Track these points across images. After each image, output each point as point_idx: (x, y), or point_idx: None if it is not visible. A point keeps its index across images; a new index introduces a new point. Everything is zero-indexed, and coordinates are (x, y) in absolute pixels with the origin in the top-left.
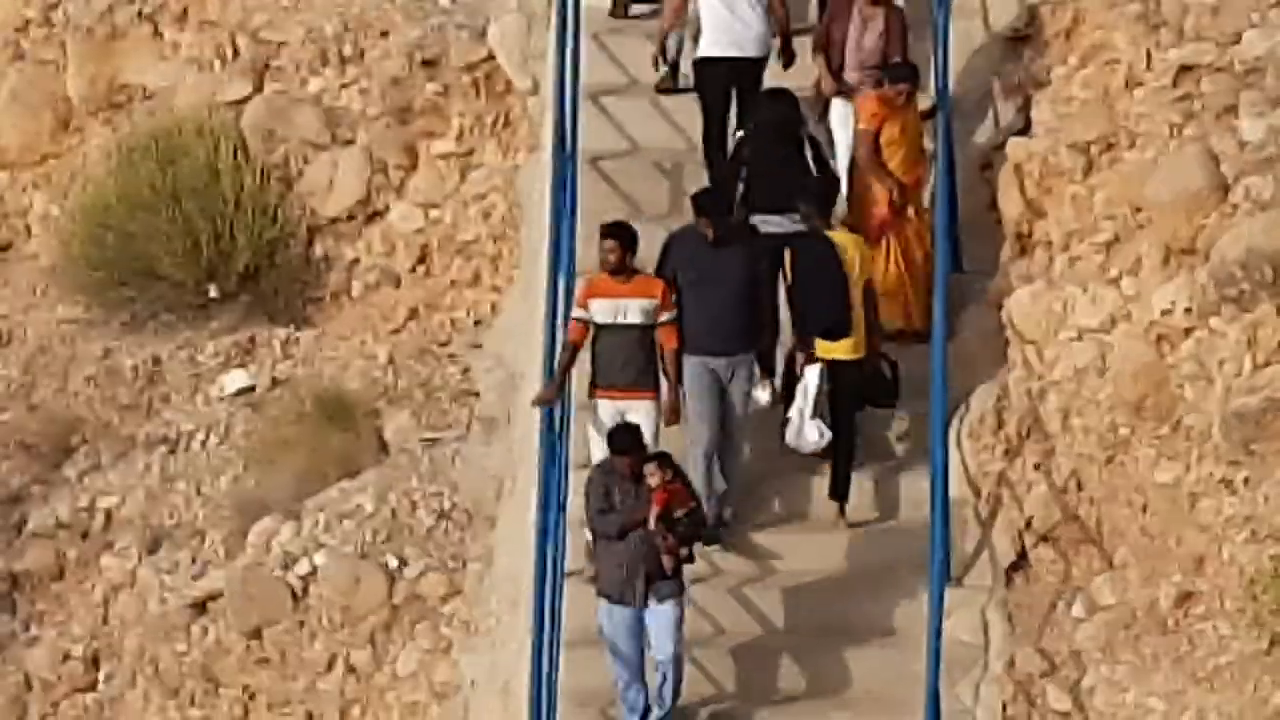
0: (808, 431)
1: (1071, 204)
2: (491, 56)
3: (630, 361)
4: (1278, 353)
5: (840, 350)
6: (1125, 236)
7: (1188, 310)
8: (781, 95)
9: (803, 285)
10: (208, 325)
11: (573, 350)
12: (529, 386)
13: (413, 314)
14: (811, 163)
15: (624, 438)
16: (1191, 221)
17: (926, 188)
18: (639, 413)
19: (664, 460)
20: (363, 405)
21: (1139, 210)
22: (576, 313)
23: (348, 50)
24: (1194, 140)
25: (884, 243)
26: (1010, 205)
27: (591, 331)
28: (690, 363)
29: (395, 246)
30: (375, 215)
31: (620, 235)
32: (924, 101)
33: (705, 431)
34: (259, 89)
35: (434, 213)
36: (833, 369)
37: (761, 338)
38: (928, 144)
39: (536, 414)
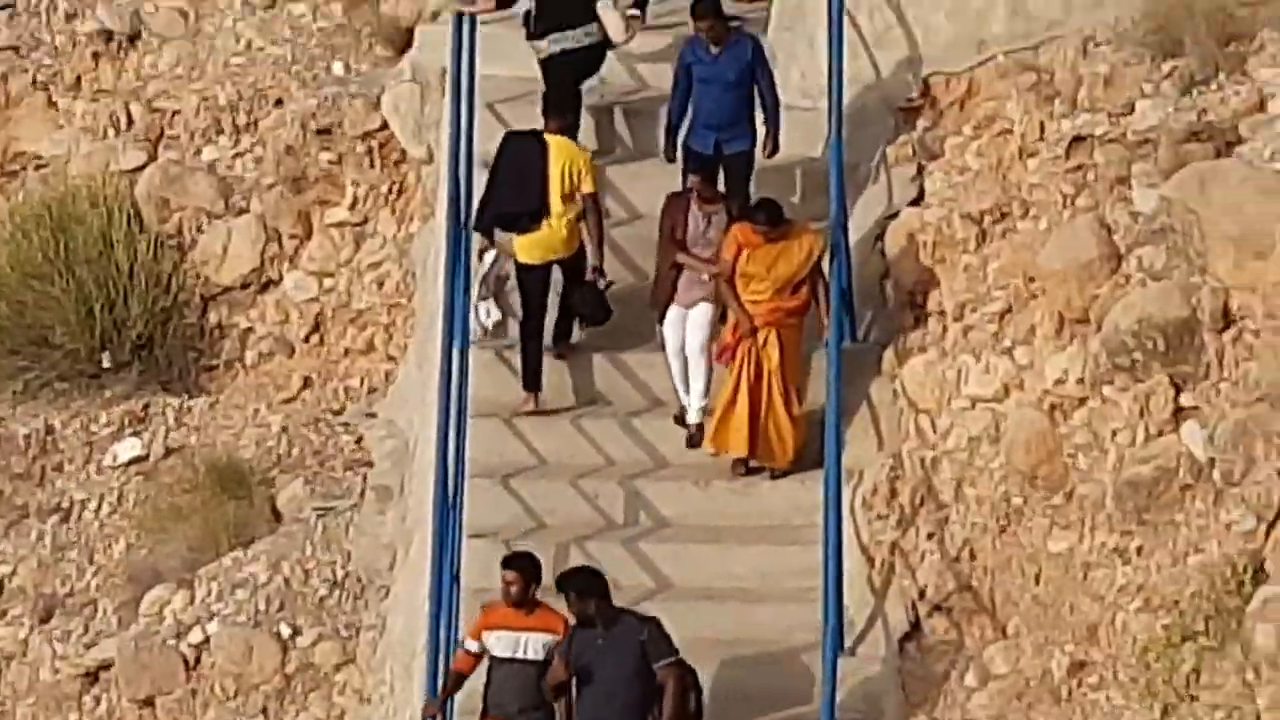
0: (481, 310)
1: (965, 274)
2: (386, 125)
3: (526, 698)
4: (1170, 422)
5: (529, 249)
6: (1018, 306)
7: (1080, 380)
8: None
9: (496, 175)
10: (101, 394)
11: (457, 678)
12: (423, 455)
13: (307, 382)
14: None
15: None
16: (1084, 291)
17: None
18: None
19: None
20: (256, 474)
21: (1032, 280)
22: (469, 645)
23: (242, 119)
24: (1087, 210)
25: (732, 370)
26: (904, 275)
27: (486, 659)
28: None
29: (289, 315)
30: (269, 284)
31: (523, 567)
32: (815, 237)
33: None
34: (153, 157)
35: (328, 281)
36: (556, 266)
37: None
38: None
39: (430, 483)
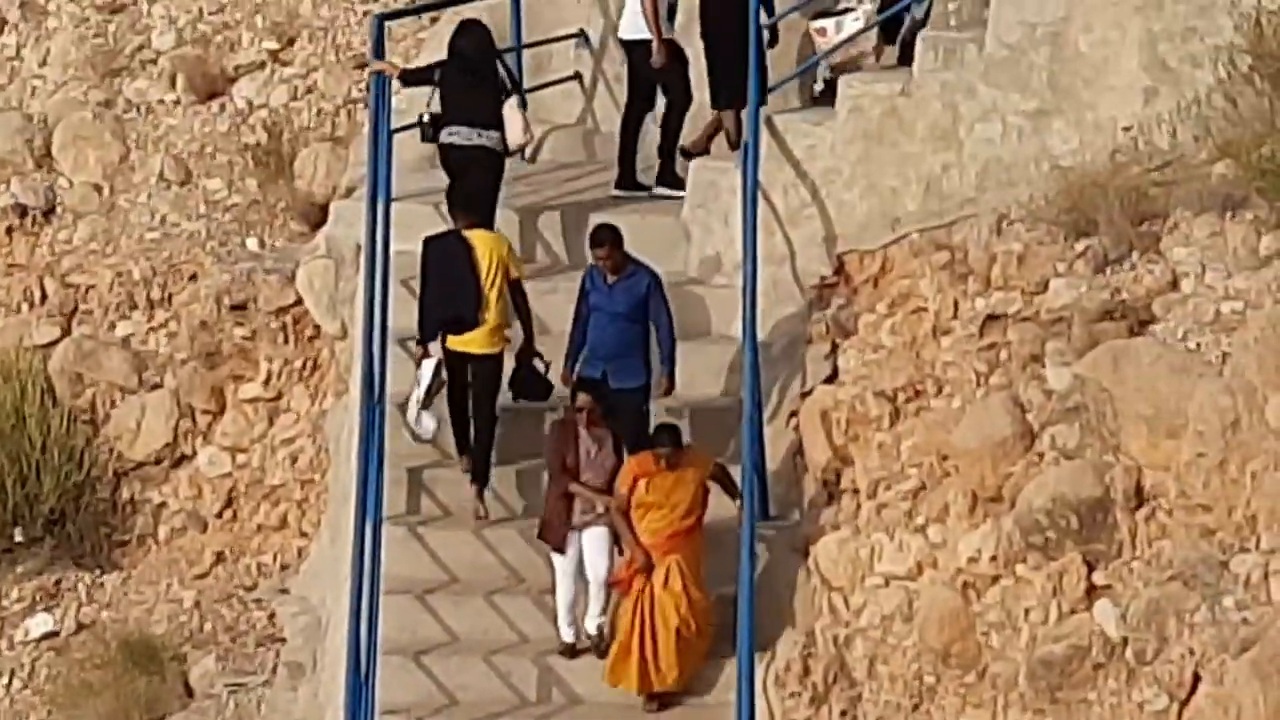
0: (424, 420)
1: (878, 451)
2: (300, 301)
3: None
4: (1083, 600)
5: (471, 344)
6: (932, 484)
7: (994, 558)
8: (476, 25)
9: (428, 282)
10: (13, 569)
11: None
12: (335, 631)
13: (219, 558)
14: (507, 82)
15: None
16: (997, 470)
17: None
18: None
19: None
20: (168, 649)
21: (945, 458)
22: None
23: (156, 294)
24: (1000, 389)
25: (627, 607)
26: (817, 452)
27: None
28: None
29: (202, 491)
30: (182, 459)
31: None
32: (706, 459)
33: None
34: (67, 332)
35: (241, 457)
36: (470, 363)
37: None
38: None
39: (343, 659)
